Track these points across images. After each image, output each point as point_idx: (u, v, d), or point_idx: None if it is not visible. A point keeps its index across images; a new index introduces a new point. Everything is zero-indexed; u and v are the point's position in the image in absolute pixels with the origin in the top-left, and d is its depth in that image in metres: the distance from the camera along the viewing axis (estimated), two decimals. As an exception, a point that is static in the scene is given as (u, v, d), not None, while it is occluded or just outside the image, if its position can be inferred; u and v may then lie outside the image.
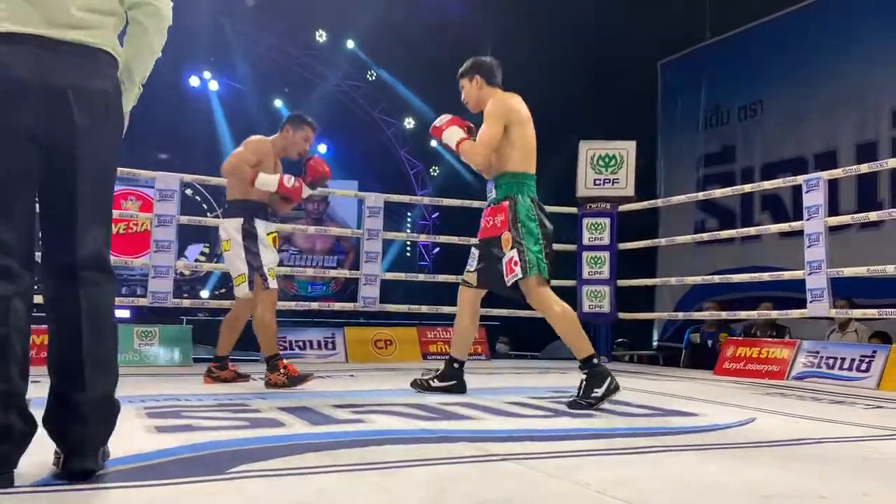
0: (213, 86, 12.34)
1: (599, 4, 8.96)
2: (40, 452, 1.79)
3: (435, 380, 3.69)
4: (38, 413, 1.72)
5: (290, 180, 3.87)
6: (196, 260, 11.90)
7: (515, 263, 3.35)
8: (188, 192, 11.93)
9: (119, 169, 6.24)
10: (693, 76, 9.62)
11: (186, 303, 6.31)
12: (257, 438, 2.26)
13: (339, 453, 2.08)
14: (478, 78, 3.66)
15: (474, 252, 3.66)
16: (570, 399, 3.20)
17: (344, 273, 8.90)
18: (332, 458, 2.02)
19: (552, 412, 3.02)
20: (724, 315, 6.42)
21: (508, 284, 3.41)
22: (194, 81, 12.13)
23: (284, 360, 3.88)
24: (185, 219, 5.52)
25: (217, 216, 12.08)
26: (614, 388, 3.18)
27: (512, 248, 3.37)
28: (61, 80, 1.66)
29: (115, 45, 1.80)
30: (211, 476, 1.77)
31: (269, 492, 1.67)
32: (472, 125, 3.68)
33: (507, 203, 3.44)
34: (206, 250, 12.65)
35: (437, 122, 3.67)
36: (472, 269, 3.63)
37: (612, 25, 9.00)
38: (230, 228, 3.89)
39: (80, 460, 1.69)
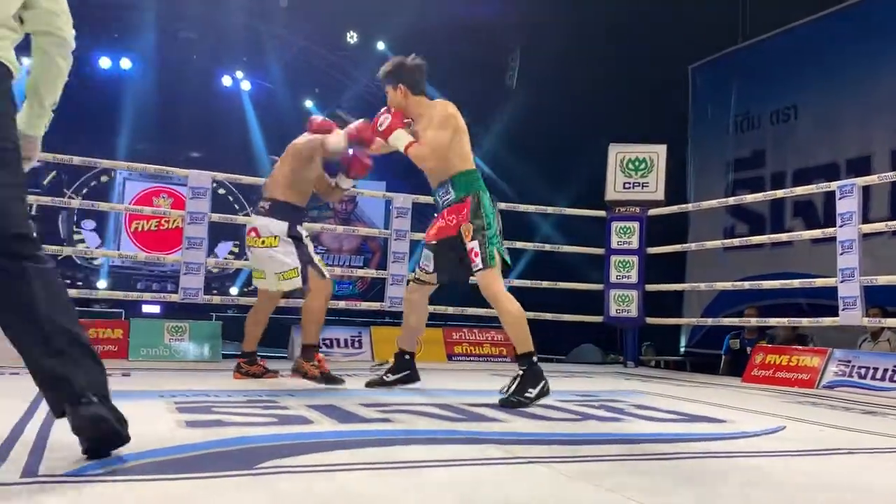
0: (245, 85, 12.46)
1: (631, 7, 8.90)
2: (70, 444, 1.83)
3: (388, 374, 3.83)
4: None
5: (354, 125, 3.98)
6: (225, 257, 12.03)
7: (476, 254, 3.40)
8: (220, 190, 12.07)
9: (152, 167, 6.28)
10: (724, 80, 9.52)
11: (217, 299, 6.38)
12: (286, 435, 2.28)
13: (367, 452, 2.09)
14: (401, 87, 3.63)
15: (427, 252, 3.69)
16: (501, 397, 3.22)
17: (371, 273, 8.95)
18: (360, 456, 2.03)
19: (580, 416, 3.01)
20: (753, 322, 6.35)
21: (473, 272, 3.45)
22: (227, 81, 12.26)
23: (321, 356, 3.91)
24: (216, 216, 5.59)
25: (247, 214, 12.22)
26: (546, 392, 3.23)
27: (473, 238, 3.42)
28: None
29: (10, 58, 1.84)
30: (240, 471, 1.79)
31: (298, 488, 1.69)
32: (410, 119, 3.69)
33: (469, 199, 3.49)
34: (236, 248, 12.78)
35: (380, 125, 3.65)
36: (430, 270, 3.68)
37: (643, 29, 8.94)
38: (275, 229, 3.90)
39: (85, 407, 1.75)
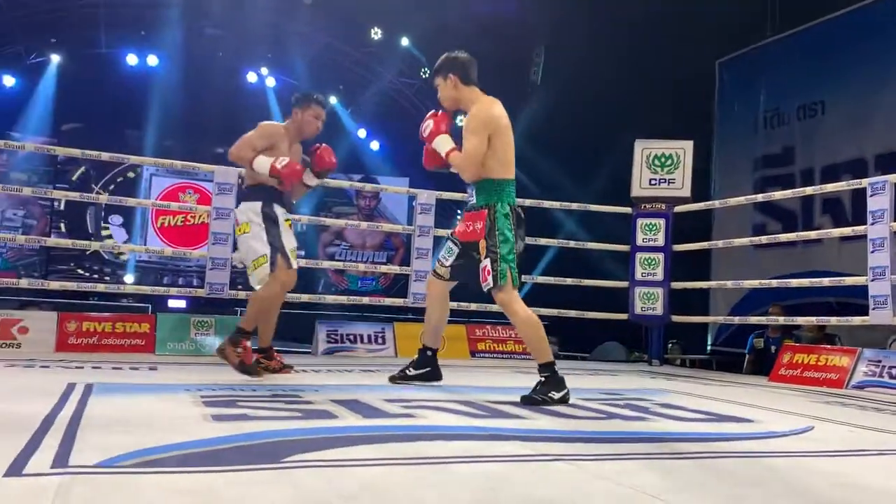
0: (270, 82, 12.53)
1: (656, 2, 8.82)
2: (100, 436, 1.86)
3: (410, 368, 3.82)
4: (117, 400, 1.77)
5: (281, 162, 3.76)
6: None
7: (488, 273, 3.40)
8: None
9: (179, 162, 6.35)
10: (752, 75, 9.40)
11: (242, 294, 6.43)
12: (311, 429, 2.29)
13: (391, 447, 2.10)
14: (452, 76, 3.58)
15: (452, 247, 3.69)
16: (525, 395, 3.21)
17: (394, 269, 8.95)
18: (385, 451, 2.03)
19: (605, 414, 2.99)
20: (781, 320, 6.26)
21: (485, 290, 3.47)
22: (252, 77, 12.35)
23: (248, 344, 3.81)
24: (241, 212, 5.62)
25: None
26: (567, 399, 3.22)
27: (486, 256, 3.42)
28: None
29: None
30: (266, 465, 1.80)
31: (323, 482, 1.69)
32: (450, 118, 3.67)
33: (485, 210, 3.46)
34: (260, 244, 12.89)
35: (423, 130, 3.63)
36: (447, 264, 3.69)
37: (669, 24, 8.86)
38: (249, 212, 3.85)
39: None
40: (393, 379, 3.82)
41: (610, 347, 7.72)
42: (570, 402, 3.22)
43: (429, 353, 3.85)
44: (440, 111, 3.67)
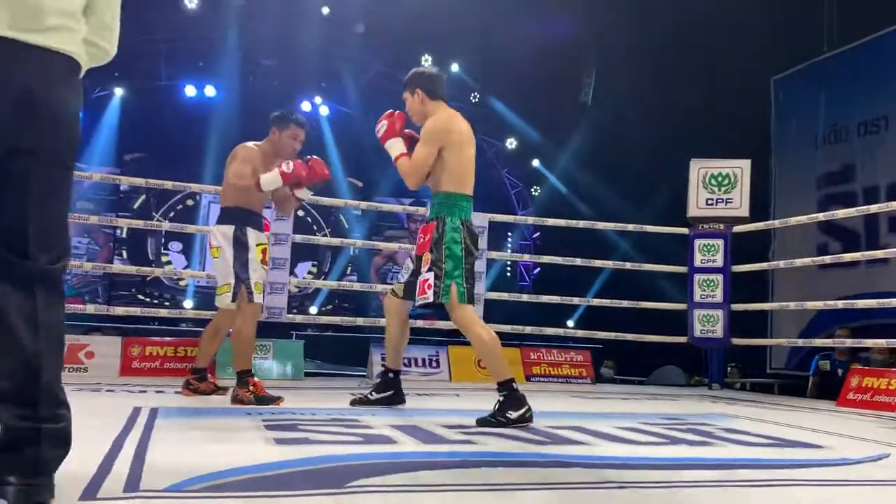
0: (324, 111, 12.76)
1: (710, 20, 8.73)
2: (167, 460, 1.89)
3: (372, 393, 3.70)
4: (181, 423, 1.81)
5: (288, 165, 3.68)
6: (304, 277, 12.29)
7: (429, 287, 3.30)
8: (299, 212, 12.36)
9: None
10: (809, 92, 9.18)
11: (299, 318, 6.52)
12: (372, 454, 2.30)
13: (454, 473, 2.08)
14: (419, 91, 3.55)
15: (409, 265, 3.62)
16: (480, 417, 3.10)
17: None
18: (447, 477, 2.02)
19: (668, 439, 2.93)
20: (848, 343, 6.06)
21: (416, 305, 3.41)
22: (306, 107, 12.58)
23: (255, 378, 3.72)
24: (298, 238, 5.72)
25: (325, 234, 12.47)
26: (529, 417, 3.10)
27: (429, 269, 3.32)
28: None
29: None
30: (330, 489, 1.80)
31: (388, 508, 1.69)
32: (413, 133, 3.61)
33: (434, 223, 3.39)
34: (314, 268, 13.05)
35: (378, 128, 3.58)
36: (402, 281, 3.62)
37: (723, 41, 8.75)
38: (220, 236, 3.79)
39: None
40: (354, 402, 3.68)
41: (668, 371, 7.57)
42: (633, 427, 3.16)
43: (390, 375, 3.72)
44: (396, 111, 3.60)
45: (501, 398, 3.17)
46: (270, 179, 3.68)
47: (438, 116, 3.48)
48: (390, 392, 3.71)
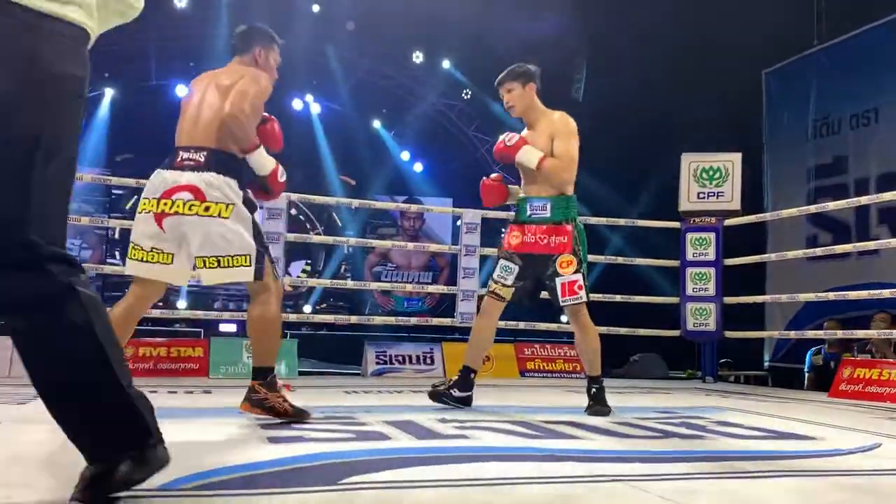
0: (315, 108, 12.75)
1: (700, 13, 8.73)
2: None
3: (456, 390, 3.62)
4: (175, 424, 1.81)
5: (283, 175, 3.05)
6: (298, 276, 12.28)
7: (580, 287, 3.48)
8: (292, 210, 12.35)
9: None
10: (801, 84, 9.21)
11: (292, 317, 6.51)
12: (366, 451, 2.30)
13: (447, 468, 2.09)
14: (533, 85, 3.66)
15: (511, 266, 3.58)
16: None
17: (441, 289, 8.99)
18: (440, 472, 2.03)
19: (661, 433, 2.94)
20: (839, 334, 6.08)
21: (563, 304, 3.49)
22: (297, 104, 12.57)
23: (285, 381, 3.13)
24: (291, 236, 5.71)
25: (318, 233, 12.45)
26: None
27: (577, 271, 3.48)
28: None
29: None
30: (324, 487, 1.81)
31: (381, 504, 1.70)
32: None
33: (569, 227, 3.51)
34: (308, 267, 13.04)
35: (507, 142, 3.65)
36: (510, 284, 3.58)
37: (714, 35, 8.76)
38: (227, 189, 2.75)
39: None
40: (434, 396, 3.62)
41: (644, 362, 6.73)
42: (626, 421, 3.17)
43: (472, 375, 3.68)
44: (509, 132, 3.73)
45: (595, 390, 3.55)
46: (263, 158, 2.94)
47: (563, 113, 3.65)
48: (470, 392, 3.65)
